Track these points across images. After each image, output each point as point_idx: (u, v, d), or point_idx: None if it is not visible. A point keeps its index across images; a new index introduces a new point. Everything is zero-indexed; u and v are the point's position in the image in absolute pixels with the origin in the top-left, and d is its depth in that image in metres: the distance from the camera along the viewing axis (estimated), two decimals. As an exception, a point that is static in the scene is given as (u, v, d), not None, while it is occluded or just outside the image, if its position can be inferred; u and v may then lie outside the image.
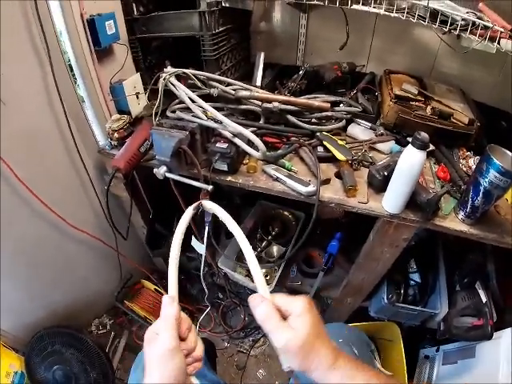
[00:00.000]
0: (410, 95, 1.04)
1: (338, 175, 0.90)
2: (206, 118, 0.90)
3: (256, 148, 0.85)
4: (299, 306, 0.46)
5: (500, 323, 1.10)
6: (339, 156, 0.90)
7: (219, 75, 1.05)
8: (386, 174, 0.86)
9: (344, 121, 1.00)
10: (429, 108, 1.01)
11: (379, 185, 0.87)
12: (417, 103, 1.04)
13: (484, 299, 1.00)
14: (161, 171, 0.88)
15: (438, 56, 1.22)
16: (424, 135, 0.74)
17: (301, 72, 1.06)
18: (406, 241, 0.90)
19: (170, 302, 0.48)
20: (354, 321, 1.18)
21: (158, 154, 0.88)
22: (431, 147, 1.03)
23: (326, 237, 1.06)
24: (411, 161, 0.76)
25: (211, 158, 0.89)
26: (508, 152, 0.82)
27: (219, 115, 0.88)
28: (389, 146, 0.99)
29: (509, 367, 0.99)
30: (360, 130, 1.02)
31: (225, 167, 0.89)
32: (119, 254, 1.21)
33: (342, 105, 1.04)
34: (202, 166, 0.91)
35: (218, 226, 1.21)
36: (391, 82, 1.08)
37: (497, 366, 1.02)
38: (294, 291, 1.21)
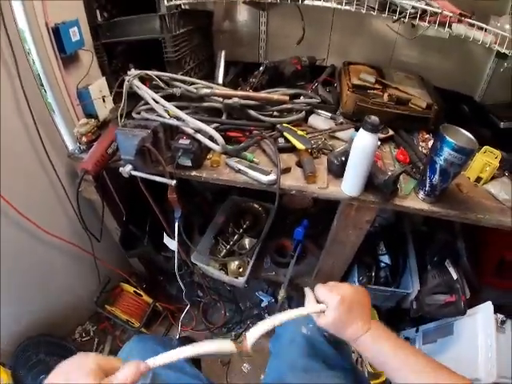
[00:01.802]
0: (367, 84, 1.08)
1: (299, 164, 0.92)
2: (168, 117, 0.92)
3: (217, 142, 0.88)
4: (331, 301, 0.60)
5: (475, 300, 1.13)
6: (299, 145, 0.93)
7: (182, 75, 1.07)
8: (343, 159, 0.88)
9: (304, 112, 1.03)
10: (386, 95, 1.05)
11: (338, 170, 0.89)
12: (374, 91, 1.07)
13: (455, 276, 1.02)
14: (126, 169, 0.89)
15: (397, 46, 1.26)
16: (374, 118, 0.77)
17: (261, 68, 1.09)
18: (369, 223, 0.92)
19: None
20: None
21: (122, 154, 0.89)
22: (390, 132, 1.06)
23: (296, 226, 1.08)
24: (363, 143, 0.79)
25: (175, 155, 0.91)
26: (461, 130, 0.86)
27: (180, 113, 0.90)
28: (348, 133, 1.02)
29: (487, 342, 1.01)
30: (320, 121, 1.05)
31: (188, 162, 0.91)
32: (95, 258, 1.21)
33: (302, 97, 1.07)
34: (168, 163, 0.93)
35: (190, 222, 1.24)
36: (349, 72, 1.11)
37: (475, 341, 1.05)
38: (269, 281, 1.23)
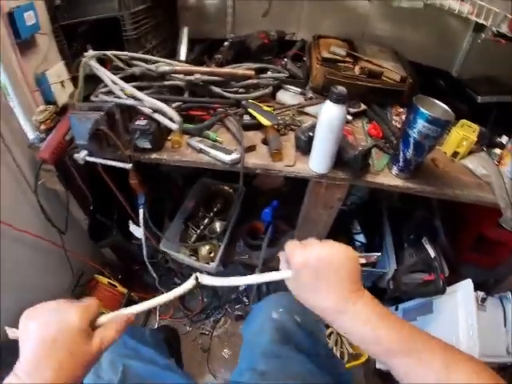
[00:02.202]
0: (338, 57, 1.03)
1: (265, 141, 0.88)
2: (125, 97, 0.87)
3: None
4: (294, 263, 0.46)
5: (455, 277, 1.10)
6: (264, 122, 0.88)
7: (144, 54, 1.02)
8: (310, 134, 0.84)
9: (271, 87, 0.98)
10: (357, 68, 1.00)
11: (305, 146, 0.85)
12: (345, 64, 1.02)
13: (432, 254, 1.00)
14: (81, 156, 0.85)
15: (370, 19, 1.21)
16: (341, 89, 0.72)
17: (226, 43, 1.04)
18: (341, 200, 0.88)
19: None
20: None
21: (77, 139, 0.84)
22: (363, 107, 1.01)
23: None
24: (330, 115, 0.74)
25: (132, 137, 0.86)
26: (436, 101, 0.81)
27: (136, 92, 0.85)
28: (318, 108, 0.97)
29: (468, 321, 0.99)
30: (289, 96, 1.00)
31: (147, 144, 0.86)
32: (66, 251, 1.16)
33: (269, 72, 1.01)
34: (126, 147, 0.88)
35: (160, 208, 1.18)
36: (320, 46, 1.06)
37: (456, 320, 1.02)
38: (245, 265, 1.20)
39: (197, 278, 0.50)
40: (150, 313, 1.36)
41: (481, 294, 1.01)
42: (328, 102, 0.73)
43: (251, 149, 0.85)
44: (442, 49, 1.23)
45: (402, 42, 1.22)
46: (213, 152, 0.83)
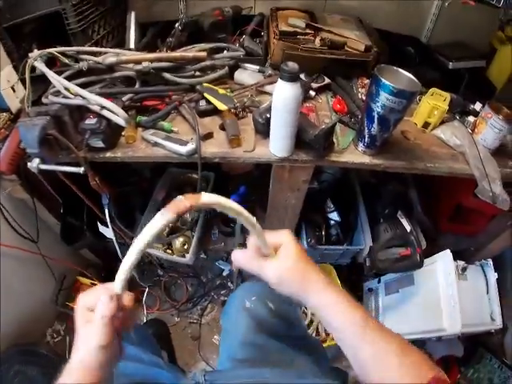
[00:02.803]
0: (297, 30, 0.97)
1: (223, 127, 0.83)
2: (72, 97, 0.82)
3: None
4: (284, 237, 0.48)
5: (434, 247, 1.08)
6: (220, 106, 0.83)
7: (91, 46, 0.96)
8: (268, 116, 0.79)
9: (227, 68, 0.92)
10: (318, 39, 0.94)
11: (264, 129, 0.81)
12: (305, 37, 0.96)
13: (408, 228, 0.97)
14: (34, 165, 0.81)
15: (332, -13, 1.13)
16: (292, 65, 0.67)
17: (177, 25, 0.97)
18: (306, 182, 0.85)
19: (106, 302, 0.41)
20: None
21: (27, 148, 0.80)
22: (326, 80, 0.96)
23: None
24: (283, 95, 0.69)
25: (84, 137, 0.82)
26: (400, 70, 0.76)
27: (80, 90, 0.81)
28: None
29: (448, 291, 0.98)
30: (247, 75, 0.94)
31: (100, 143, 0.82)
32: (44, 257, 1.15)
33: (225, 51, 0.95)
34: (80, 148, 0.83)
35: (130, 204, 1.15)
36: (277, 19, 0.99)
37: (437, 291, 1.02)
38: (218, 253, 1.19)
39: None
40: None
41: (461, 263, 1.00)
42: (280, 82, 0.69)
43: (208, 137, 0.81)
44: (410, 14, 1.16)
45: (367, 10, 1.15)
46: (167, 144, 0.79)
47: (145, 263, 1.34)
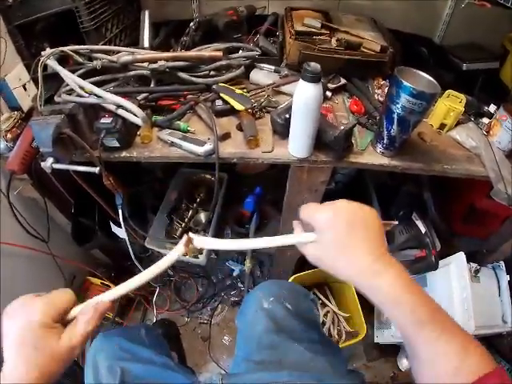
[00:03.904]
0: (312, 29, 0.96)
1: (240, 127, 0.82)
2: (87, 95, 0.81)
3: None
4: (319, 221, 0.42)
5: (448, 249, 1.08)
6: (237, 106, 0.83)
7: (105, 45, 0.95)
8: (287, 116, 0.79)
9: (243, 68, 0.91)
10: (334, 40, 0.94)
11: (283, 130, 0.80)
12: (321, 37, 0.96)
13: (423, 229, 0.97)
14: (47, 164, 0.79)
15: (345, -14, 1.13)
16: (314, 65, 0.67)
17: (192, 24, 0.96)
18: (324, 183, 0.85)
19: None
20: (304, 270, 1.15)
21: (41, 147, 0.79)
22: (342, 81, 0.96)
23: (252, 194, 0.99)
24: (305, 96, 0.69)
25: (99, 137, 0.80)
26: (420, 72, 0.76)
27: (95, 89, 0.80)
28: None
29: (462, 294, 0.97)
30: (263, 75, 0.94)
31: (115, 143, 0.81)
32: (54, 257, 1.14)
33: (240, 51, 0.95)
34: (95, 148, 0.82)
35: (142, 204, 1.14)
36: (292, 19, 0.99)
37: (450, 293, 1.01)
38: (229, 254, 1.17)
39: (188, 243, 0.42)
40: (146, 308, 1.35)
41: (474, 265, 0.99)
42: (301, 82, 0.68)
43: (226, 137, 0.80)
44: (423, 14, 1.16)
45: (380, 9, 1.14)
46: (184, 144, 0.78)
47: (155, 262, 1.32)
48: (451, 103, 0.92)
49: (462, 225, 1.07)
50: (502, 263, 1.02)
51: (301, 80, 0.68)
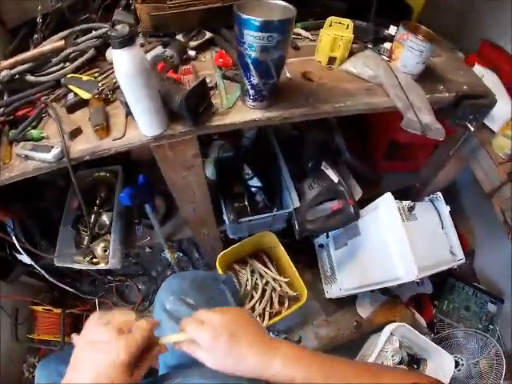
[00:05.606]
0: (160, -14, 0.84)
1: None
2: None
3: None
4: (203, 342, 0.46)
5: (377, 190, 0.97)
6: (84, 95, 0.75)
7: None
8: (127, 93, 0.70)
9: (92, 50, 0.82)
10: (185, -8, 0.82)
11: (129, 109, 0.71)
12: (172, -6, 0.84)
13: (335, 179, 0.86)
14: None
15: None
16: (120, 28, 0.57)
17: (39, 18, 0.88)
18: (197, 156, 0.76)
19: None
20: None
21: None
22: (208, 35, 0.85)
23: (157, 180, 0.91)
24: (123, 66, 0.60)
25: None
26: (269, 0, 0.65)
27: None
28: (156, 53, 0.82)
29: (397, 237, 0.87)
30: (119, 53, 0.84)
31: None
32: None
33: (93, 32, 0.86)
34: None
35: (50, 219, 1.09)
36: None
37: (384, 238, 0.91)
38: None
39: None
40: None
41: (406, 203, 0.88)
42: (113, 52, 0.59)
43: (76, 133, 0.73)
44: None
45: None
46: (35, 155, 0.71)
47: (89, 275, 1.31)
48: (336, 31, 0.80)
49: (386, 162, 0.95)
50: (439, 194, 0.90)
51: (111, 49, 0.59)
